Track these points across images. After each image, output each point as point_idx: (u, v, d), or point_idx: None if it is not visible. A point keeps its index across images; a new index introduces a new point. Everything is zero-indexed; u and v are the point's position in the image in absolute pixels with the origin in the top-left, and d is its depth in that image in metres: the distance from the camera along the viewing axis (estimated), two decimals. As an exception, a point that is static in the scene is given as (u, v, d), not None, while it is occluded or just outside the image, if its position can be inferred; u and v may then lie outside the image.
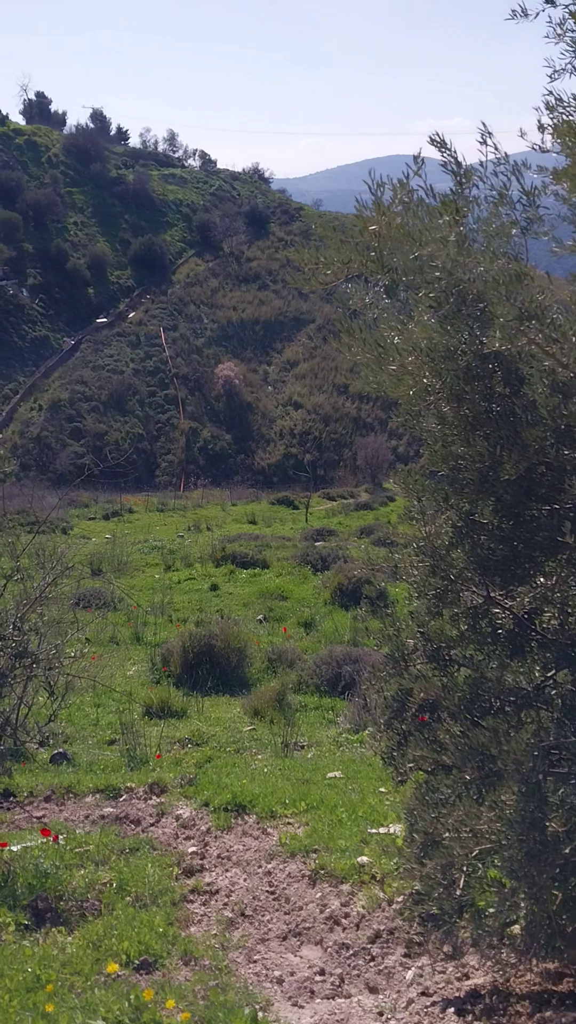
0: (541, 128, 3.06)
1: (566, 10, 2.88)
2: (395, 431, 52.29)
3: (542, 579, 3.29)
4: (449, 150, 3.04)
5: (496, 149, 3.08)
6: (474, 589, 3.40)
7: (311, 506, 32.27)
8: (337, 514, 30.92)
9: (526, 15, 2.89)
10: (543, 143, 3.09)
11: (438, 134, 3.03)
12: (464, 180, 3.08)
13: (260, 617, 13.55)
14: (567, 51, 2.96)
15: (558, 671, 3.19)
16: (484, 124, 3.04)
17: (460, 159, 3.09)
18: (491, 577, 3.34)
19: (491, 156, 3.06)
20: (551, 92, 3.02)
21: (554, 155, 3.10)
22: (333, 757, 7.05)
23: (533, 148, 3.12)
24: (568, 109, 3.02)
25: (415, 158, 3.11)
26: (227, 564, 17.74)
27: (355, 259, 3.07)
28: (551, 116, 2.89)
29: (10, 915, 3.70)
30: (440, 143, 2.99)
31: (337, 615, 13.12)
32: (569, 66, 3.00)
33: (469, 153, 3.11)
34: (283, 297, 71.91)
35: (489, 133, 3.07)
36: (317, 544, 19.24)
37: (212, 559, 18.32)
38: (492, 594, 3.36)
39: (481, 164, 3.08)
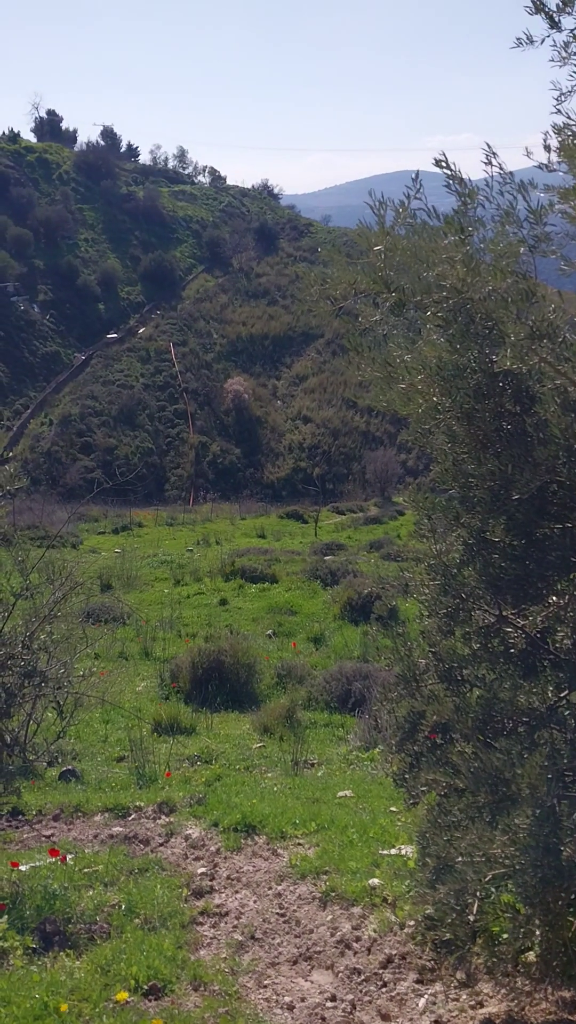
0: (547, 148, 3.06)
1: (571, 34, 2.87)
2: (404, 445, 52.28)
3: (555, 598, 3.26)
4: (453, 171, 3.04)
5: (501, 168, 3.07)
6: (486, 608, 3.37)
7: (320, 520, 32.23)
8: (346, 528, 30.88)
9: (531, 42, 2.89)
10: (549, 162, 3.08)
11: (443, 155, 3.03)
12: (469, 200, 3.08)
13: (269, 632, 13.50)
14: (574, 74, 2.95)
15: (571, 691, 3.15)
16: (488, 145, 3.03)
17: (466, 178, 3.09)
18: (503, 596, 3.31)
19: (496, 174, 3.06)
20: (559, 111, 3.01)
21: (560, 174, 3.09)
22: (343, 775, 6.99)
23: (540, 167, 3.12)
24: (574, 130, 3.02)
25: (414, 179, 3.12)
26: (236, 578, 17.71)
27: (361, 280, 3.07)
28: (559, 138, 2.89)
29: (18, 939, 3.67)
30: (444, 164, 2.98)
31: (347, 630, 13.06)
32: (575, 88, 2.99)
33: (478, 169, 3.11)
34: (292, 312, 72.18)
35: (494, 153, 3.06)
36: (326, 558, 19.19)
37: (221, 573, 18.29)
38: (504, 613, 3.33)
39: (487, 184, 3.07)
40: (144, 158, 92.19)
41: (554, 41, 2.92)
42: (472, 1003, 3.23)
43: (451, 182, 3.05)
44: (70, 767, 7.01)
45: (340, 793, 6.05)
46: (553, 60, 2.94)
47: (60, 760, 7.37)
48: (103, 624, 13.54)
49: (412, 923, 3.80)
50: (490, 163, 3.05)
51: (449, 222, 3.00)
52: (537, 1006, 3.05)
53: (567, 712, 3.15)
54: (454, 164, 3.06)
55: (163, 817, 5.58)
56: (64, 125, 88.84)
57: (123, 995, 3.16)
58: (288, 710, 8.78)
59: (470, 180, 3.08)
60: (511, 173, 3.07)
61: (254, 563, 18.72)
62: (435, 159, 2.93)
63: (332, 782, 6.59)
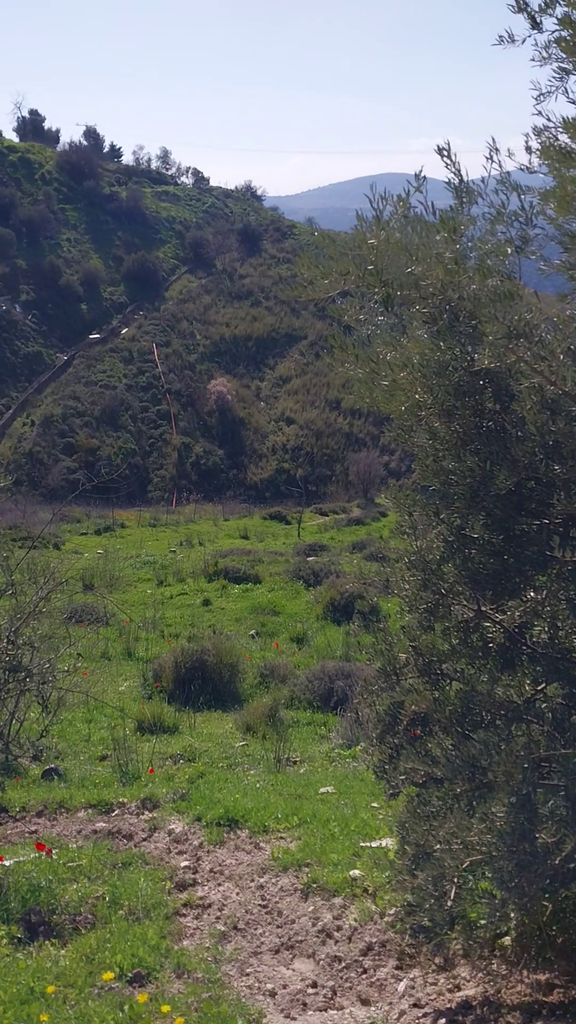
0: (528, 149, 3.13)
1: (551, 35, 2.95)
2: (387, 446, 52.47)
3: (532, 593, 3.32)
4: (454, 164, 3.10)
5: (500, 166, 3.14)
6: (465, 603, 3.44)
7: (303, 521, 32.29)
8: (329, 529, 30.95)
9: (513, 40, 2.96)
10: (531, 164, 3.16)
11: (447, 143, 3.08)
12: (465, 198, 3.14)
13: (252, 632, 13.55)
14: (554, 75, 3.03)
15: (548, 685, 3.23)
16: (493, 139, 3.09)
17: (464, 174, 3.14)
18: (482, 591, 3.38)
19: (494, 173, 3.13)
20: (540, 112, 3.08)
21: (541, 176, 3.17)
22: (325, 772, 7.05)
23: (521, 168, 3.19)
24: (555, 132, 3.09)
25: (416, 175, 3.18)
26: (219, 579, 17.73)
27: (352, 271, 3.12)
28: (538, 139, 2.96)
29: (3, 928, 3.70)
30: (447, 152, 3.04)
31: (329, 630, 13.13)
32: (556, 89, 3.07)
33: (465, 169, 3.18)
34: (275, 314, 72.23)
35: (496, 149, 3.12)
36: (309, 559, 19.26)
37: (204, 574, 18.32)
38: (483, 608, 3.40)
39: (483, 180, 3.14)
40: (127, 158, 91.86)
41: (536, 41, 3.00)
42: (450, 986, 3.31)
43: (449, 180, 3.11)
44: (53, 765, 7.02)
45: (322, 789, 6.11)
46: (534, 60, 3.02)
47: (43, 757, 7.38)
48: (86, 625, 13.54)
49: (392, 911, 3.87)
50: (491, 159, 3.11)
51: (444, 220, 3.07)
52: (513, 988, 3.13)
53: (543, 705, 3.23)
54: (455, 155, 3.11)
55: (146, 812, 5.62)
56: (47, 125, 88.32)
57: (109, 975, 3.21)
58: (271, 709, 8.83)
59: (465, 178, 3.15)
60: (508, 173, 3.14)
61: (237, 564, 18.75)
62: (438, 146, 2.99)
63: (314, 779, 6.65)
